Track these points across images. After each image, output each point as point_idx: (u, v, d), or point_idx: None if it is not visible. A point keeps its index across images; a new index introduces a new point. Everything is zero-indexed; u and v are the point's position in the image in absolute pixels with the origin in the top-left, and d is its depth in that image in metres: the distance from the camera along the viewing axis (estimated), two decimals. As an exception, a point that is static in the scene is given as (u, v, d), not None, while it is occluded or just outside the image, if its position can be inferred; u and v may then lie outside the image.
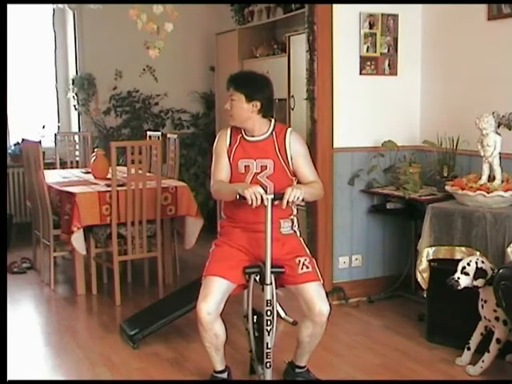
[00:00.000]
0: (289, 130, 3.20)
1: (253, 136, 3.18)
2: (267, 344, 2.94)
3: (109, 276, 5.06)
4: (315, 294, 3.02)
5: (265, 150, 3.13)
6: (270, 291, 2.94)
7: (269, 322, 2.94)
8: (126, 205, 4.56)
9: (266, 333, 2.95)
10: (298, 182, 3.17)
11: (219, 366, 3.22)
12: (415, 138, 4.74)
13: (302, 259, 3.12)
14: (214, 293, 3.10)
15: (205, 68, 7.31)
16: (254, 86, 3.18)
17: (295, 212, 3.28)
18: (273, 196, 2.90)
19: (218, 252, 3.20)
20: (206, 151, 6.93)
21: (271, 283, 2.95)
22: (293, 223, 3.26)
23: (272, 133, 3.16)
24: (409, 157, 4.57)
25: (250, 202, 2.87)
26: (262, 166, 3.11)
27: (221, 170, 3.17)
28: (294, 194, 2.90)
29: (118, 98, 7.03)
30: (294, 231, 3.27)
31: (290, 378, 3.29)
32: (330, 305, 3.04)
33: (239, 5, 6.50)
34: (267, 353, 2.94)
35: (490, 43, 4.16)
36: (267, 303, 2.95)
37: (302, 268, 3.09)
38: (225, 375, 3.23)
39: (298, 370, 3.27)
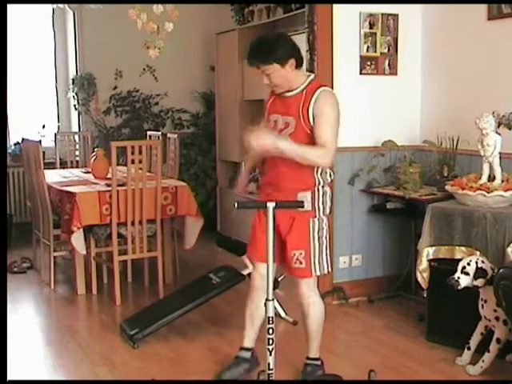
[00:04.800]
0: (322, 88, 3.02)
1: (288, 91, 3.04)
2: (269, 364, 2.76)
3: (109, 276, 5.06)
4: (306, 291, 3.15)
5: (290, 107, 3.02)
6: (271, 307, 2.74)
7: (271, 341, 2.73)
8: (126, 204, 4.56)
9: (268, 353, 2.75)
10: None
11: (247, 343, 3.36)
12: (415, 137, 4.74)
13: (297, 253, 3.08)
14: (263, 271, 3.08)
15: (205, 68, 7.31)
16: (277, 49, 2.97)
17: (322, 183, 3.09)
18: (275, 204, 2.72)
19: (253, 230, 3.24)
20: (206, 151, 6.93)
21: (273, 299, 2.76)
22: (315, 196, 3.07)
23: (304, 89, 3.02)
24: (409, 157, 4.57)
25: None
26: (285, 123, 3.03)
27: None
28: (254, 139, 2.86)
29: (118, 97, 7.03)
30: (315, 208, 3.07)
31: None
32: (323, 298, 3.15)
33: (239, 5, 6.50)
34: (269, 374, 2.78)
35: (490, 43, 4.16)
36: (269, 321, 2.74)
37: (296, 263, 3.10)
38: (248, 354, 3.37)
39: (307, 361, 3.32)
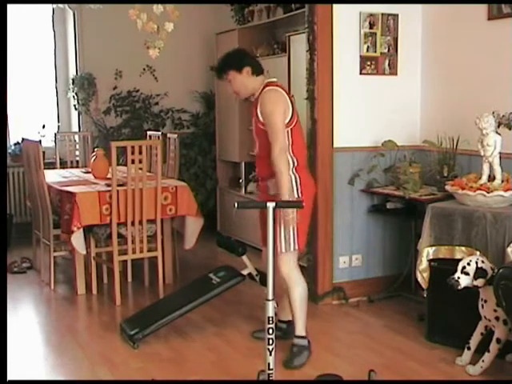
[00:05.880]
0: (266, 88, 3.49)
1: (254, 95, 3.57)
2: (269, 364, 2.79)
3: (109, 276, 5.06)
4: (283, 269, 3.51)
5: (252, 109, 3.55)
6: (271, 307, 2.79)
7: (271, 341, 2.78)
8: (126, 204, 4.56)
9: (268, 353, 2.79)
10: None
11: (282, 316, 3.85)
12: (415, 137, 4.74)
13: None
14: None
15: (205, 68, 7.31)
16: (233, 58, 3.59)
17: (291, 168, 3.47)
18: (275, 204, 2.80)
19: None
20: (206, 151, 6.93)
21: (273, 299, 2.81)
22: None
23: (259, 93, 3.51)
24: (409, 156, 4.57)
25: None
26: (253, 124, 3.58)
27: None
28: (285, 219, 3.36)
29: (118, 97, 7.03)
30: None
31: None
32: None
33: (239, 5, 6.50)
34: (269, 374, 2.80)
35: (490, 43, 4.16)
36: (269, 320, 2.78)
37: None
38: (284, 325, 3.83)
39: (294, 340, 3.60)
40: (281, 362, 3.43)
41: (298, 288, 3.56)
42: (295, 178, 3.47)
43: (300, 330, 3.59)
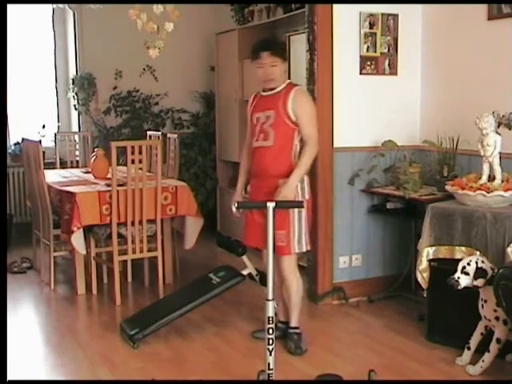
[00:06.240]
0: (296, 87, 3.64)
1: (270, 90, 3.63)
2: (269, 364, 2.80)
3: (109, 276, 5.06)
4: (286, 267, 3.64)
5: (271, 102, 3.60)
6: (271, 307, 2.81)
7: (271, 341, 2.79)
8: (126, 204, 4.56)
9: (268, 353, 2.79)
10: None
11: (281, 316, 3.87)
12: (415, 137, 4.74)
13: (280, 232, 3.48)
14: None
15: (205, 68, 7.31)
16: (283, 48, 3.78)
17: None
18: (275, 204, 2.83)
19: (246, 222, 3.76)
20: (205, 151, 6.93)
21: (273, 299, 2.82)
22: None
23: (283, 89, 3.61)
24: (409, 156, 4.57)
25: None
26: (267, 116, 3.60)
27: (248, 132, 3.82)
28: (282, 196, 3.40)
29: (118, 97, 7.03)
30: (296, 192, 3.55)
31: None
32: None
33: (239, 5, 6.50)
34: (269, 374, 2.80)
35: (490, 43, 4.16)
36: (269, 320, 2.79)
37: (278, 241, 3.43)
38: (283, 326, 3.83)
39: (290, 330, 3.77)
40: (279, 362, 3.42)
41: (298, 282, 3.73)
42: (306, 179, 3.65)
43: (295, 322, 3.79)
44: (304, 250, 3.67)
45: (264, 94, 3.68)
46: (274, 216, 2.80)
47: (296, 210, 3.54)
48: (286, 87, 3.62)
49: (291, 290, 3.71)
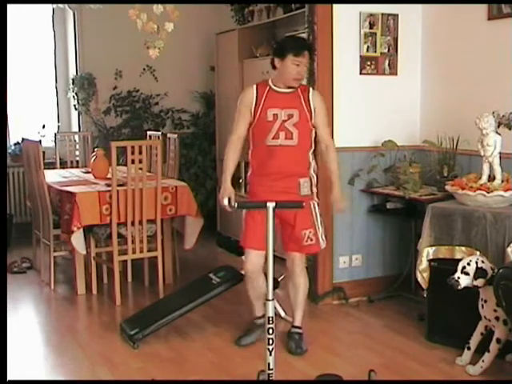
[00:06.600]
0: (310, 88, 3.72)
1: (287, 88, 3.58)
2: (269, 364, 2.78)
3: (109, 276, 5.06)
4: (299, 263, 3.71)
5: (293, 101, 3.56)
6: (271, 307, 2.79)
7: (271, 341, 2.77)
8: (126, 204, 4.56)
9: (268, 353, 2.77)
10: (315, 138, 3.67)
11: (258, 313, 3.81)
12: (415, 137, 4.74)
13: (307, 232, 3.61)
14: (253, 259, 3.62)
15: (205, 68, 7.31)
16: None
17: (314, 167, 3.71)
18: (275, 204, 2.79)
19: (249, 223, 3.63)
20: (205, 151, 6.93)
21: (273, 299, 2.82)
22: (311, 182, 3.65)
23: (297, 88, 3.58)
24: (409, 156, 4.57)
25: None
26: (288, 115, 3.54)
27: (241, 125, 3.61)
28: (345, 206, 3.71)
29: (118, 97, 7.03)
30: (312, 192, 3.65)
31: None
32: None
33: (239, 5, 6.50)
34: (269, 374, 2.79)
35: (489, 43, 4.16)
36: (269, 320, 2.79)
37: (307, 241, 3.62)
38: (262, 320, 3.68)
39: (293, 329, 3.78)
40: (279, 362, 3.42)
41: (306, 279, 3.80)
42: (316, 178, 3.72)
43: (299, 321, 3.80)
44: (324, 245, 3.76)
45: (279, 90, 3.57)
46: (274, 216, 2.80)
47: (316, 208, 3.65)
48: (299, 88, 3.60)
49: (300, 288, 3.75)
